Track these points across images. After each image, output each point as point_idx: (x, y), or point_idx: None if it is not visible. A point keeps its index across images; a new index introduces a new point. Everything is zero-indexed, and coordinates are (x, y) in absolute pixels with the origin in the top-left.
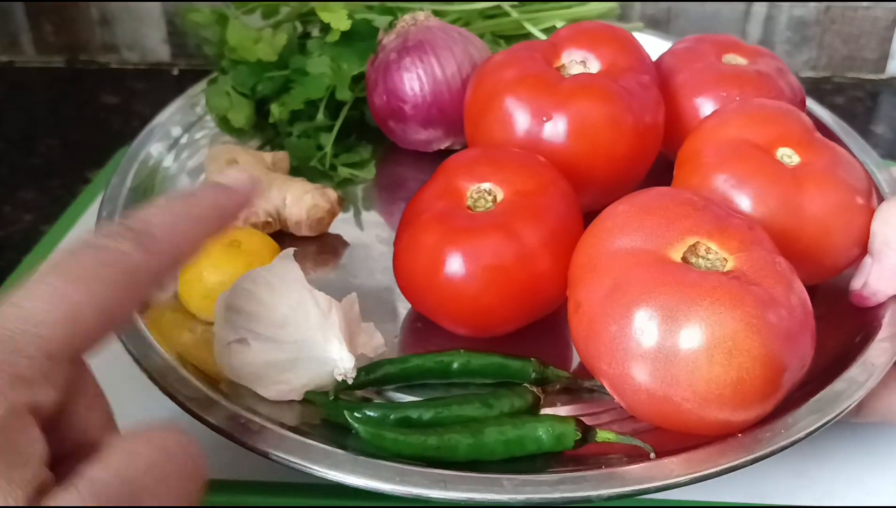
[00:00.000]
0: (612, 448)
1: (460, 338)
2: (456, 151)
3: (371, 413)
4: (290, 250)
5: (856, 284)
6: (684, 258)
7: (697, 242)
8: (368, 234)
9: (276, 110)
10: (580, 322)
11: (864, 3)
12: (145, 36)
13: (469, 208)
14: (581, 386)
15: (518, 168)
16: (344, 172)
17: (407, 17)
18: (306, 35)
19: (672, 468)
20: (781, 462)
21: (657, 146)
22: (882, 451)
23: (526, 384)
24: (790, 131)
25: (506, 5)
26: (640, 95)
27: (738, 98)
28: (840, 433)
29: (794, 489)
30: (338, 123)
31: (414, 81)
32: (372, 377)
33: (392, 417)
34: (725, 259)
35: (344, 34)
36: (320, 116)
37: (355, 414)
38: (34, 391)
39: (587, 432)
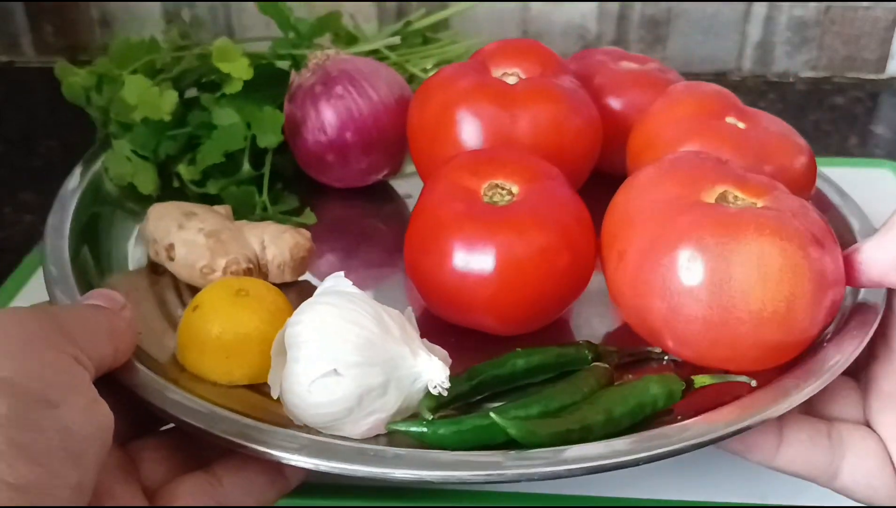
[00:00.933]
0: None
1: (476, 345)
2: (384, 181)
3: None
4: (340, 273)
5: (853, 249)
6: (717, 203)
7: (726, 190)
8: (349, 274)
9: (185, 171)
10: (626, 268)
11: (864, 4)
12: (145, 36)
13: (488, 204)
14: (631, 355)
15: (520, 163)
16: (284, 221)
17: (318, 53)
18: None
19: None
20: None
21: (599, 142)
22: None
23: (596, 363)
24: (730, 103)
25: (384, 50)
26: (579, 95)
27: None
28: None
29: (794, 489)
30: (267, 171)
31: (351, 106)
32: (469, 385)
33: (528, 413)
34: (755, 203)
35: (245, 83)
36: (246, 167)
37: (500, 415)
38: None
39: (688, 382)
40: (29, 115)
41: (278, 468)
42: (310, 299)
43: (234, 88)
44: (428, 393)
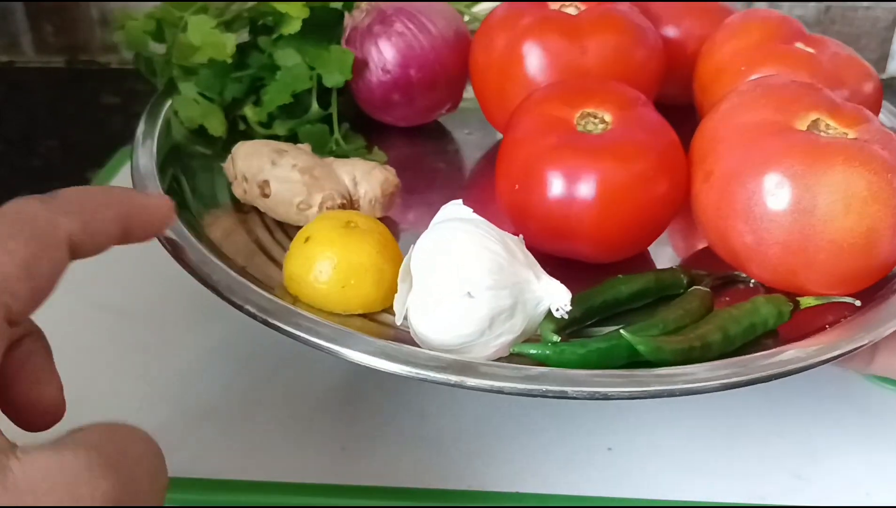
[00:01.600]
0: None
1: (570, 273)
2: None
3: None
4: (458, 201)
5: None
6: (808, 130)
7: (818, 118)
8: (417, 212)
9: (251, 113)
10: (711, 189)
11: (864, 4)
12: None
13: (583, 132)
14: (720, 279)
15: (609, 91)
16: (357, 158)
17: None
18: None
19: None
20: (781, 462)
21: (664, 70)
22: (881, 452)
23: (696, 288)
24: (796, 29)
25: None
26: (642, 22)
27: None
28: (839, 434)
29: (794, 489)
30: (334, 110)
31: (412, 42)
32: (580, 311)
33: (649, 334)
34: (846, 133)
35: (302, 24)
36: (315, 107)
37: (629, 333)
38: None
39: (794, 303)
40: (29, 115)
41: None
42: (434, 225)
43: (292, 27)
44: (549, 316)
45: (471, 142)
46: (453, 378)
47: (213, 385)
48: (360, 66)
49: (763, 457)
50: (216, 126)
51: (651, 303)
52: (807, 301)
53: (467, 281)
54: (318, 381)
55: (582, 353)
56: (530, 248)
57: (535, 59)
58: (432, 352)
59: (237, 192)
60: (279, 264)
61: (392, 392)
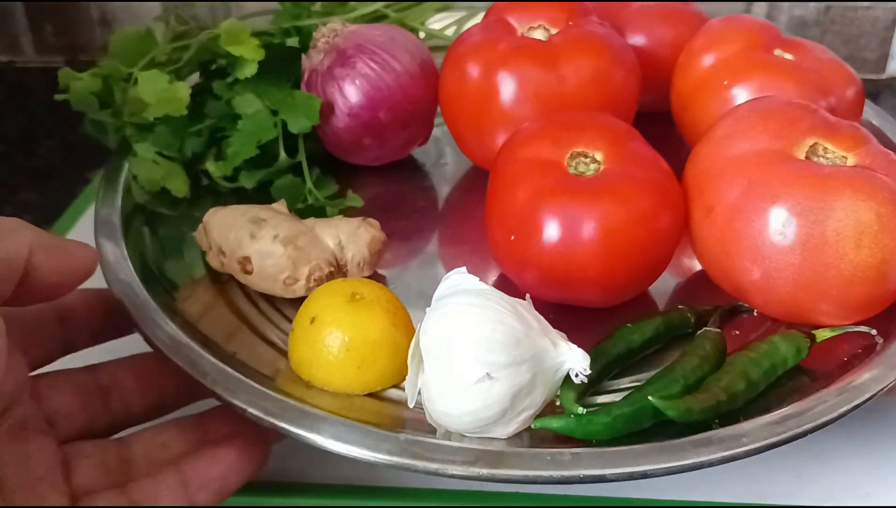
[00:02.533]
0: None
1: (571, 321)
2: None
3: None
4: (463, 268)
5: None
6: (807, 157)
7: (816, 142)
8: (398, 257)
9: (214, 168)
10: (713, 225)
11: (864, 3)
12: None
13: (575, 175)
14: (727, 313)
15: (597, 126)
16: (333, 207)
17: (323, 31)
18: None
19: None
20: (781, 462)
21: (641, 88)
22: (881, 453)
23: (707, 329)
24: (774, 35)
25: (381, 7)
26: (617, 41)
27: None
28: (839, 435)
29: (794, 490)
30: (303, 157)
31: (378, 83)
32: (598, 368)
33: (671, 391)
34: (844, 157)
35: (258, 67)
36: (283, 156)
37: (656, 398)
38: None
39: (811, 336)
40: (29, 115)
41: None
42: (440, 299)
43: (248, 71)
44: (568, 384)
45: (446, 173)
46: (483, 472)
47: None
48: (326, 110)
49: (764, 457)
50: (179, 187)
51: (663, 346)
52: (822, 334)
53: (486, 362)
54: None
55: (607, 422)
56: (531, 297)
57: (511, 91)
58: (458, 444)
59: (213, 263)
60: (269, 342)
61: None
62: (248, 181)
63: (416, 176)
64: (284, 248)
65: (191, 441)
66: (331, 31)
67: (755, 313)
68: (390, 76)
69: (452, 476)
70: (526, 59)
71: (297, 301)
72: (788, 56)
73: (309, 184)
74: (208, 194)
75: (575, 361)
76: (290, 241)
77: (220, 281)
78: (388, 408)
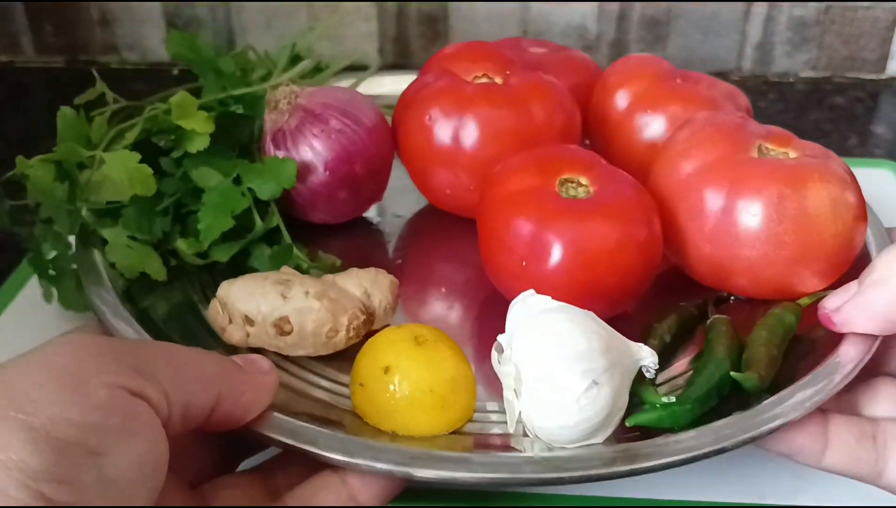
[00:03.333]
0: None
1: None
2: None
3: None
4: (530, 290)
5: (830, 304)
6: (760, 157)
7: (761, 144)
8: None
9: (186, 246)
10: (703, 227)
11: (864, 4)
12: (145, 36)
13: (570, 198)
14: (713, 301)
15: (573, 155)
16: (319, 269)
17: (279, 93)
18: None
19: None
20: (781, 462)
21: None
22: None
23: (716, 317)
24: (669, 67)
25: (289, 77)
26: (557, 86)
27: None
28: None
29: (794, 489)
30: (280, 222)
31: (354, 138)
32: None
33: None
34: (785, 152)
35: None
36: (260, 224)
37: (737, 374)
38: None
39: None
40: (29, 115)
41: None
42: (523, 323)
43: (200, 144)
44: (641, 380)
45: (405, 223)
46: (624, 468)
47: None
48: (300, 169)
49: (764, 457)
50: (157, 269)
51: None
52: (804, 301)
53: (590, 371)
54: None
55: (689, 408)
56: None
57: (486, 131)
58: (585, 452)
59: (235, 337)
60: (323, 402)
61: None
62: (222, 255)
63: (377, 231)
64: (320, 302)
65: None
66: (290, 92)
67: (732, 300)
68: (363, 130)
69: (597, 479)
70: (496, 100)
71: (324, 359)
72: (686, 85)
73: (297, 249)
74: (182, 275)
75: (646, 357)
76: (322, 295)
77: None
78: (469, 439)
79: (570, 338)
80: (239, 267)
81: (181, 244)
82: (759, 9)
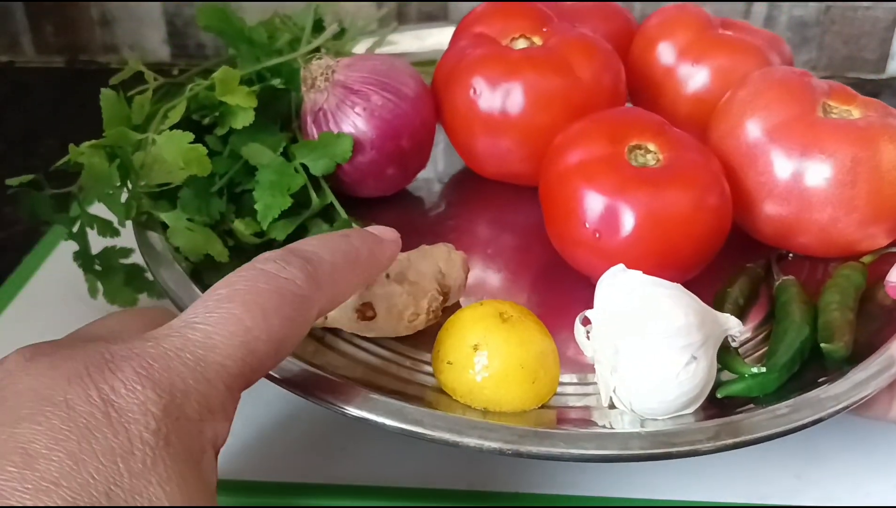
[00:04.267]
0: None
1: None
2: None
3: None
4: (620, 265)
5: (893, 276)
6: (826, 116)
7: (825, 102)
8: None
9: (244, 226)
10: (773, 190)
11: (864, 4)
12: (145, 36)
13: (641, 167)
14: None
15: (641, 120)
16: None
17: (314, 67)
18: None
19: None
20: (781, 462)
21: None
22: (881, 453)
23: (784, 278)
24: (706, 16)
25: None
26: (601, 42)
27: None
28: (839, 435)
29: (794, 490)
30: (334, 199)
31: (397, 111)
32: None
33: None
34: (848, 110)
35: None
36: (316, 201)
37: (826, 345)
38: (217, 424)
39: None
40: (29, 115)
41: None
42: (616, 299)
43: (245, 119)
44: (728, 349)
45: (448, 190)
46: (730, 441)
47: None
48: None
49: (764, 457)
50: (220, 251)
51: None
52: (867, 259)
53: (688, 346)
54: None
55: (776, 375)
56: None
57: (536, 98)
58: (692, 424)
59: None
60: (406, 380)
61: None
62: (279, 233)
63: (424, 202)
64: (401, 286)
65: None
66: (326, 66)
67: (791, 257)
68: (406, 103)
69: (702, 454)
70: (542, 66)
71: (399, 338)
72: (730, 33)
73: (354, 226)
74: (235, 256)
75: (733, 327)
76: (402, 278)
77: (314, 337)
78: (553, 412)
79: (669, 314)
80: None
81: (239, 225)
82: (760, 8)
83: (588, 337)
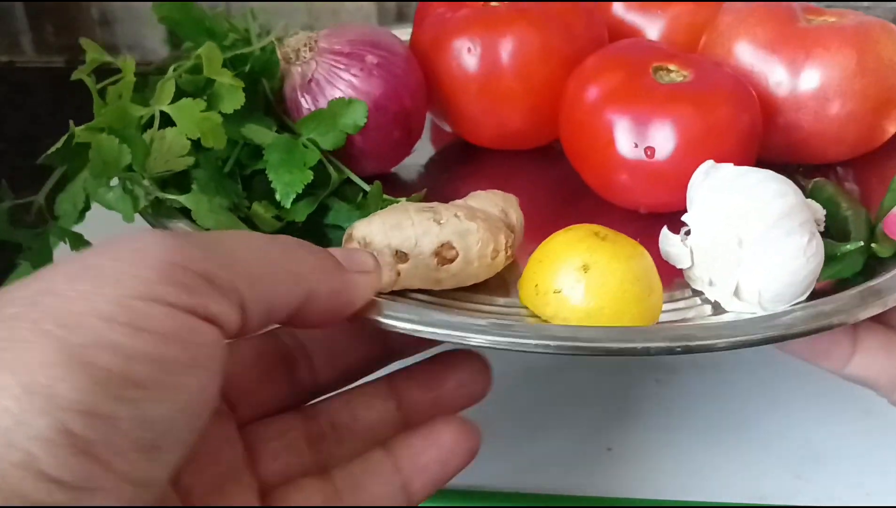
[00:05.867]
0: None
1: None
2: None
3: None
4: (710, 161)
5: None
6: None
7: (804, 16)
8: None
9: (264, 209)
10: (797, 97)
11: (865, 4)
12: (145, 36)
13: (667, 84)
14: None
15: (647, 48)
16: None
17: (294, 42)
18: None
19: None
20: (781, 462)
21: None
22: (881, 453)
23: (817, 180)
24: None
25: None
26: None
27: None
28: (840, 435)
29: (794, 490)
30: (351, 174)
31: (394, 68)
32: None
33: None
34: (825, 19)
35: None
36: (335, 175)
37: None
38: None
39: None
40: (29, 115)
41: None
42: (718, 192)
43: (237, 100)
44: None
45: (438, 159)
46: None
47: None
48: None
49: (764, 457)
50: None
51: None
52: None
53: (806, 223)
54: None
55: (861, 256)
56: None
57: (534, 53)
58: (787, 317)
59: (383, 279)
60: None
61: None
62: (299, 215)
63: (413, 171)
64: (475, 222)
65: (386, 411)
66: (306, 38)
67: (801, 170)
68: (400, 60)
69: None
70: (537, 19)
71: (469, 290)
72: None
73: (379, 193)
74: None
75: (819, 210)
76: (473, 215)
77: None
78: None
79: (781, 195)
80: (313, 228)
81: (258, 208)
82: None
83: (685, 245)
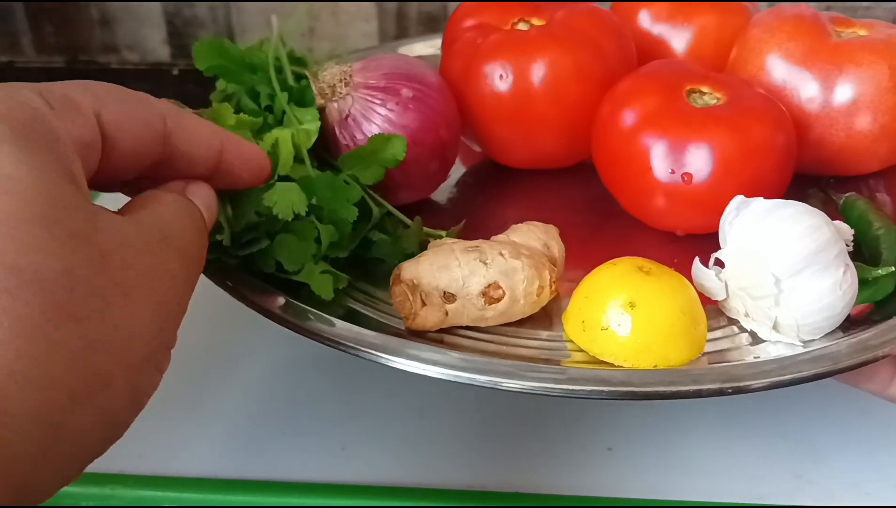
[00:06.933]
0: None
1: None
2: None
3: None
4: (741, 196)
5: None
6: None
7: (834, 28)
8: None
9: None
10: (830, 114)
11: (864, 4)
12: (145, 36)
13: (701, 107)
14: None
15: (683, 70)
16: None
17: (328, 77)
18: None
19: None
20: (781, 463)
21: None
22: (881, 453)
23: (849, 194)
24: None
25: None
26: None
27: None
28: (840, 435)
29: (794, 490)
30: (390, 207)
31: (431, 102)
32: None
33: None
34: (855, 31)
35: None
36: (376, 210)
37: None
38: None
39: None
40: None
41: None
42: (753, 227)
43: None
44: None
45: (469, 181)
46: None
47: (213, 386)
48: None
49: (764, 457)
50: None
51: None
52: None
53: (840, 255)
54: (318, 380)
55: (892, 280)
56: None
57: (566, 75)
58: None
59: (428, 321)
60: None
61: (392, 391)
62: (342, 251)
63: (446, 196)
64: (520, 260)
65: None
66: (341, 73)
67: (832, 181)
68: (435, 91)
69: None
70: (565, 41)
71: (513, 327)
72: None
73: (421, 227)
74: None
75: (847, 232)
76: (517, 253)
77: (422, 336)
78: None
79: (815, 230)
80: (355, 263)
81: None
82: (760, 9)
83: (720, 278)
